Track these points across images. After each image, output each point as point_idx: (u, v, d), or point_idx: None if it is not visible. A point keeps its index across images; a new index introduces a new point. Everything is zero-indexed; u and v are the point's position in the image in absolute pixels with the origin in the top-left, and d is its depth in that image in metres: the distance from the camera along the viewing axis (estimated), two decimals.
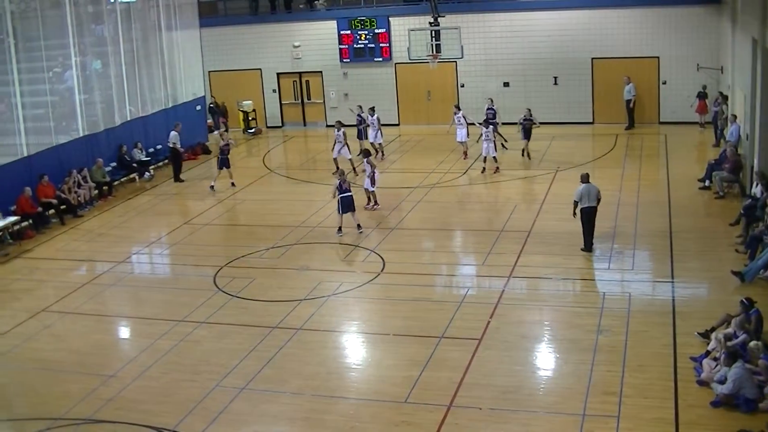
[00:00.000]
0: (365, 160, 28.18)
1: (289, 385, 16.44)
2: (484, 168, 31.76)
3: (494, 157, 31.56)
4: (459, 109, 34.59)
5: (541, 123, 33.72)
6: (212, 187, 31.76)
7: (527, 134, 33.10)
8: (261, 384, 16.56)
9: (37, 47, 30.17)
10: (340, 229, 25.44)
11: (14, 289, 23.16)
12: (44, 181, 28.58)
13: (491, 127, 31.83)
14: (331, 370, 17.20)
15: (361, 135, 35.27)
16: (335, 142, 32.66)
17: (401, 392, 15.87)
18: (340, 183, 25.50)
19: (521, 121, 33.14)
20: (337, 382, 16.73)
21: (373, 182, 27.64)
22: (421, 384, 16.14)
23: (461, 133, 34.00)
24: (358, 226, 25.64)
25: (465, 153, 34.24)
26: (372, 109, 35.28)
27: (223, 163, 31.88)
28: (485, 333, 18.12)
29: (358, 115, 35.43)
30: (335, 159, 32.62)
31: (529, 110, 33.44)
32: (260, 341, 18.39)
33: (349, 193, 25.50)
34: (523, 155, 33.20)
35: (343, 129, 32.57)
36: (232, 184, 32.13)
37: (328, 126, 41.44)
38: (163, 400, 16.19)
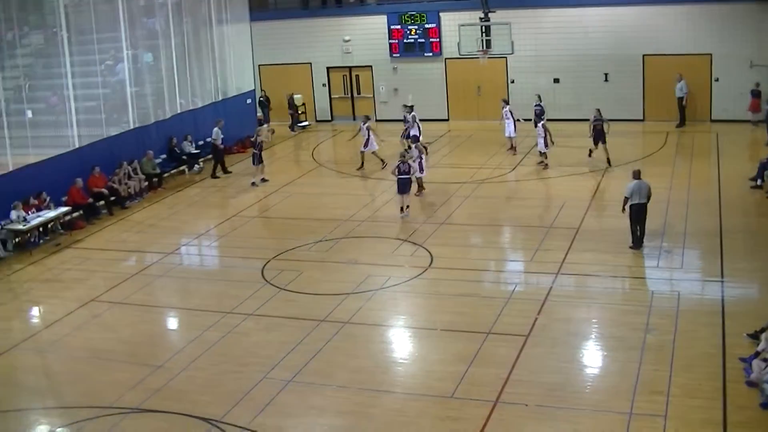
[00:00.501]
0: (414, 145, 28.38)
1: (335, 379, 16.49)
2: (541, 161, 31.67)
3: (545, 153, 31.40)
4: (507, 103, 34.43)
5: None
6: (253, 183, 31.78)
7: (600, 136, 31.11)
8: (308, 377, 16.61)
9: (89, 40, 30.53)
10: (402, 209, 26.04)
11: (65, 278, 23.46)
12: (95, 173, 28.93)
13: (541, 123, 31.67)
14: (377, 363, 17.23)
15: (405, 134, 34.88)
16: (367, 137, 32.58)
17: (448, 387, 15.85)
18: (398, 164, 25.90)
19: (592, 121, 31.53)
20: (384, 376, 16.73)
21: (421, 168, 27.72)
22: (468, 379, 16.11)
23: (509, 128, 33.84)
24: (403, 208, 26.16)
25: (513, 148, 34.12)
26: (411, 107, 34.85)
27: (258, 159, 31.88)
28: (533, 329, 18.04)
29: (404, 114, 35.14)
30: (373, 153, 32.77)
31: (599, 110, 31.73)
32: (307, 334, 18.45)
33: (407, 176, 26.01)
34: (609, 164, 31.09)
35: (368, 122, 32.63)
36: (263, 179, 32.10)
37: (377, 121, 41.28)
38: (211, 391, 16.31)
